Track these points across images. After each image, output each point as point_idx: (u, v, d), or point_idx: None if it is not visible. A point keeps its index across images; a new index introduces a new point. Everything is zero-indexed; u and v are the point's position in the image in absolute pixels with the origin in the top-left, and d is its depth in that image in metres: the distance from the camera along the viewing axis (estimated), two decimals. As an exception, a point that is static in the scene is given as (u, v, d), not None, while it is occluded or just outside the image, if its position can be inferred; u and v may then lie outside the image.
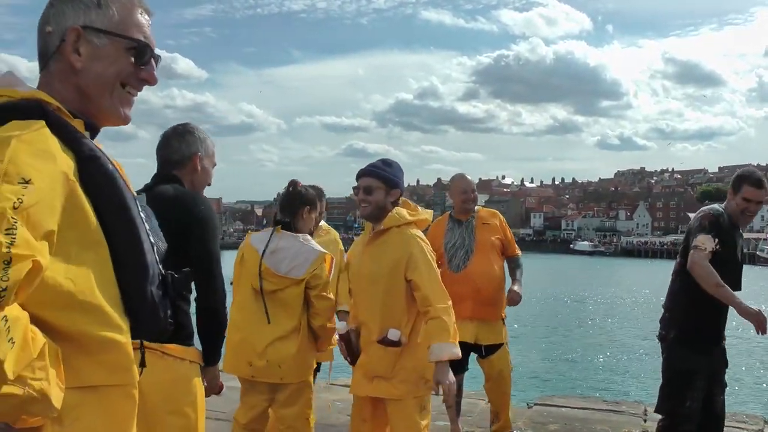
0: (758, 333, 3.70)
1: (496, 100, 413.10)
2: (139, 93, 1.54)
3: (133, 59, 1.49)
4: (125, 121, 1.54)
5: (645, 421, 5.72)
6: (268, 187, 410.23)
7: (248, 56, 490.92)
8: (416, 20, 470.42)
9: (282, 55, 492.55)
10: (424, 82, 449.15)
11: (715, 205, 4.12)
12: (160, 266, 1.52)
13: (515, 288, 5.03)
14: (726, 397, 4.11)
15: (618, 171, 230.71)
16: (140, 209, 1.48)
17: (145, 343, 2.45)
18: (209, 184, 3.05)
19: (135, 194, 1.50)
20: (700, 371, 3.92)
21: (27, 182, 1.19)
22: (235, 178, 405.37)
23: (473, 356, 4.99)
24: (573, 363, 17.42)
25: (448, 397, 3.52)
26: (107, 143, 1.51)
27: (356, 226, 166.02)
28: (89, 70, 1.44)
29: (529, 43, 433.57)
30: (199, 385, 2.65)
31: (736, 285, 3.91)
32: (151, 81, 1.53)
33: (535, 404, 6.38)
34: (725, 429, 4.15)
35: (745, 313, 3.66)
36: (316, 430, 3.99)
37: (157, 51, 1.55)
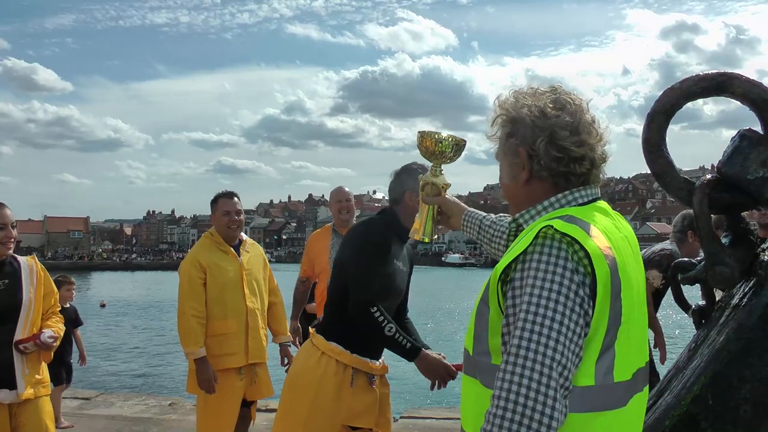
0: None
1: (364, 115, 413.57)
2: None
3: None
4: None
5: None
6: (137, 205, 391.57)
7: (112, 69, 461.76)
8: (282, 34, 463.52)
9: (147, 70, 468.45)
10: (291, 96, 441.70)
11: None
12: None
13: None
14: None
15: (488, 185, 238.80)
16: None
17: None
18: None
19: None
20: None
21: None
22: (104, 196, 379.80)
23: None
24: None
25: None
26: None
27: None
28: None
29: (395, 59, 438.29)
30: (324, 371, 3.23)
31: None
32: None
33: (401, 417, 6.44)
34: None
35: None
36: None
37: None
